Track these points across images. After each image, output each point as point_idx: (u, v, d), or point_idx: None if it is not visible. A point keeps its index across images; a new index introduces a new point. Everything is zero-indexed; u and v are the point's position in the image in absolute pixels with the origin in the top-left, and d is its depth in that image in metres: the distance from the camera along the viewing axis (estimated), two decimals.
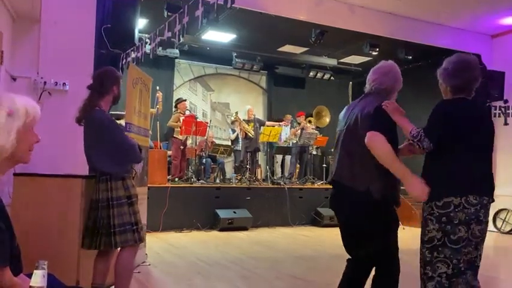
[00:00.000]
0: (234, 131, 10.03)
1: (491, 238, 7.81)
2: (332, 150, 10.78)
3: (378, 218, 2.38)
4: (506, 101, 8.58)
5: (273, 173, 10.17)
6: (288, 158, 10.55)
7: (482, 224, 2.15)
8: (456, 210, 2.13)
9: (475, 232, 2.13)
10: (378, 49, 8.50)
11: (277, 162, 10.93)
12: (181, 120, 8.53)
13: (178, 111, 8.81)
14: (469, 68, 2.29)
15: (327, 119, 12.07)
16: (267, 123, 10.08)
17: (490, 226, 8.21)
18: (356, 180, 2.39)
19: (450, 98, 2.32)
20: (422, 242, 2.26)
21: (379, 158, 2.24)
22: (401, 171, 2.23)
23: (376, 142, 2.24)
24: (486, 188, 2.20)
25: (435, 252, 2.18)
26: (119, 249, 3.14)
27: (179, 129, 8.54)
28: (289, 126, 10.61)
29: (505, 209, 8.29)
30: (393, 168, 2.24)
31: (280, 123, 10.55)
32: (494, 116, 8.74)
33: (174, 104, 9.33)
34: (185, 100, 9.22)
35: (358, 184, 2.37)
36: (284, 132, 10.38)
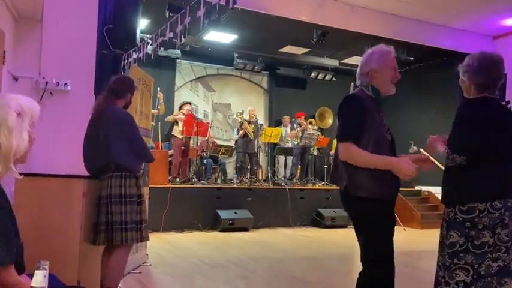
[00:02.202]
0: (238, 131, 10.03)
1: None
2: (331, 151, 10.89)
3: (362, 216, 2.29)
4: (508, 103, 8.55)
5: (274, 173, 10.17)
6: (289, 158, 10.55)
7: (508, 227, 2.05)
8: (481, 215, 2.05)
9: (502, 236, 2.04)
10: None
11: (278, 162, 10.94)
12: (180, 115, 8.59)
13: (181, 111, 8.86)
14: (495, 65, 2.22)
15: (330, 120, 12.11)
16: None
17: None
18: (338, 180, 2.38)
19: (473, 96, 2.23)
20: (443, 245, 2.18)
21: (360, 165, 2.21)
22: (381, 162, 2.16)
23: (346, 155, 2.22)
24: (511, 191, 2.10)
25: (455, 258, 2.10)
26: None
27: (177, 127, 8.58)
28: (289, 126, 10.63)
29: None
30: (374, 165, 2.18)
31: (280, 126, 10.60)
32: None
33: (179, 107, 9.29)
34: (189, 103, 9.22)
35: (340, 184, 2.35)
36: (284, 132, 10.40)
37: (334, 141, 10.90)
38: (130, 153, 3.16)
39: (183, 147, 8.62)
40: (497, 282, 2.03)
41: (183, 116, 8.48)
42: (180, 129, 8.47)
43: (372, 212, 2.26)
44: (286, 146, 10.32)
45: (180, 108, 9.01)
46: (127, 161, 3.13)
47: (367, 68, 2.38)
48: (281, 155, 10.44)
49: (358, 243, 2.37)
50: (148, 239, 3.40)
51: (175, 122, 8.61)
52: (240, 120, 9.71)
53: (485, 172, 2.08)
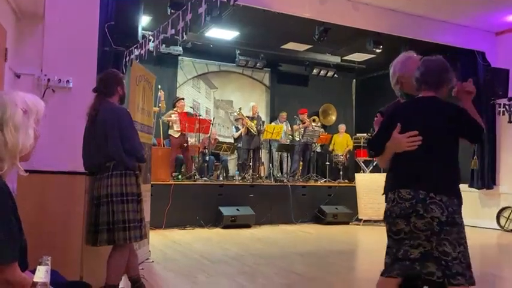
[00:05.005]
0: (237, 128, 10.04)
1: (495, 236, 7.79)
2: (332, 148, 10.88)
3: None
4: (510, 99, 8.53)
5: (276, 170, 10.17)
6: (290, 155, 10.55)
7: (425, 218, 2.14)
8: (392, 204, 2.25)
9: (418, 225, 2.15)
10: (381, 46, 8.46)
11: (280, 159, 10.94)
12: (172, 117, 8.63)
13: (176, 109, 8.88)
14: (422, 63, 2.37)
15: (333, 117, 12.11)
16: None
17: (494, 224, 8.18)
18: None
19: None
20: None
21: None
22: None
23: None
24: (420, 183, 2.18)
25: (386, 244, 2.32)
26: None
27: (172, 127, 8.63)
28: (285, 123, 10.61)
29: (509, 207, 8.23)
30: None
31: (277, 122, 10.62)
32: (499, 113, 8.68)
33: (172, 104, 9.27)
34: (182, 99, 9.23)
35: None
36: (285, 128, 10.41)
37: (334, 138, 10.90)
38: (127, 151, 3.16)
39: (185, 145, 8.64)
40: (420, 266, 2.17)
41: (175, 118, 8.56)
42: (176, 129, 8.54)
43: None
44: (287, 143, 10.32)
45: (174, 106, 9.01)
46: (124, 158, 3.11)
47: (395, 77, 2.55)
48: (281, 151, 10.46)
49: None
50: (146, 237, 3.42)
51: (170, 124, 8.70)
52: (239, 116, 9.70)
53: (394, 165, 2.33)
